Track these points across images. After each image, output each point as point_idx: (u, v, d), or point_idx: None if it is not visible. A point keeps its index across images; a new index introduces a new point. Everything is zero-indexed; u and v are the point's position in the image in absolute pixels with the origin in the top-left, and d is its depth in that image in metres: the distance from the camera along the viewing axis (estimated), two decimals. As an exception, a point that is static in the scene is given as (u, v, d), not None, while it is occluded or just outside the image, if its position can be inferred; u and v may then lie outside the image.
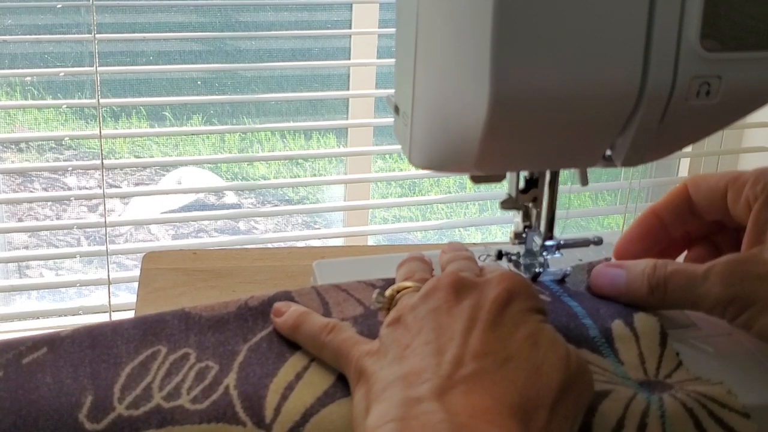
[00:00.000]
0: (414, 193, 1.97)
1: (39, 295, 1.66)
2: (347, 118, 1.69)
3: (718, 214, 0.55)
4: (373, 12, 1.58)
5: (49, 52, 1.54)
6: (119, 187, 1.85)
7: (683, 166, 1.80)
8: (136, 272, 1.10)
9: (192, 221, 1.82)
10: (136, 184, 1.89)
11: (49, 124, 1.76)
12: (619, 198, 1.84)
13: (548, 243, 0.56)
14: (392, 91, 0.54)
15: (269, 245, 1.56)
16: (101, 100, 1.39)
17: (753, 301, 0.49)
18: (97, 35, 1.36)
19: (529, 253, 0.58)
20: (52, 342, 0.48)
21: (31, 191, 1.82)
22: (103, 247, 1.43)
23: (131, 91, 1.63)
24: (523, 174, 0.55)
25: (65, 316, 1.51)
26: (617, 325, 0.51)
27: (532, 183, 0.55)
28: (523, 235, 0.57)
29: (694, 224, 0.57)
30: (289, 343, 0.49)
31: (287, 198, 1.91)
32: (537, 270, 0.57)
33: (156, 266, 0.71)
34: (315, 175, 1.84)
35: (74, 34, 1.52)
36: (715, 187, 0.54)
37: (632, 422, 0.44)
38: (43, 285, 1.51)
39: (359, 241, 1.65)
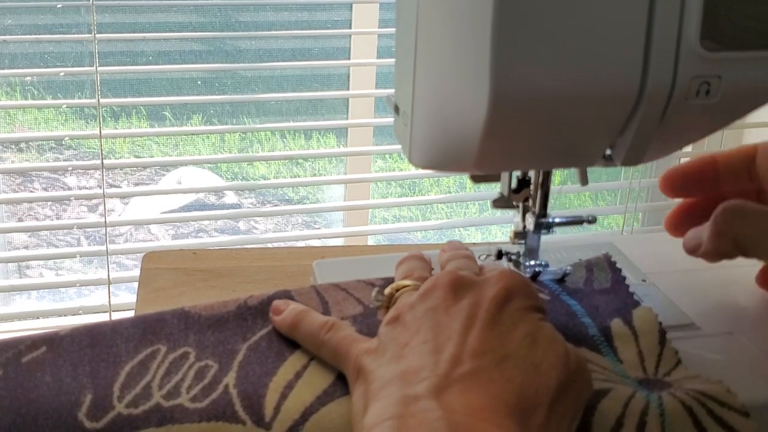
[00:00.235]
0: (414, 193, 1.97)
1: (39, 295, 1.66)
2: (347, 118, 1.69)
3: None
4: (373, 12, 1.58)
5: (49, 52, 1.54)
6: (119, 187, 1.85)
7: (683, 166, 1.80)
8: (136, 272, 1.10)
9: (192, 221, 1.82)
10: (136, 184, 1.89)
11: (49, 124, 1.76)
12: (619, 198, 1.83)
13: (542, 221, 0.56)
14: (392, 91, 0.54)
15: (269, 245, 1.56)
16: (101, 100, 1.39)
17: None
18: (97, 35, 1.36)
19: (530, 251, 0.58)
20: (52, 341, 0.48)
21: (31, 191, 1.82)
22: (103, 247, 1.43)
23: (131, 91, 1.64)
24: (516, 174, 0.55)
25: (65, 316, 1.51)
26: (616, 324, 0.51)
27: (525, 183, 0.55)
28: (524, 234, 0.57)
29: (745, 186, 0.57)
30: (288, 342, 0.49)
31: (287, 198, 1.91)
32: (537, 269, 0.57)
33: (156, 266, 0.71)
34: (315, 175, 1.84)
35: (74, 34, 1.52)
36: None
37: (631, 421, 0.44)
38: (43, 285, 1.51)
39: (359, 241, 1.66)
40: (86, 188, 1.82)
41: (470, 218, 1.97)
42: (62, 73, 1.45)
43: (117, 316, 1.46)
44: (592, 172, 0.54)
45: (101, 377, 0.46)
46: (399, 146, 0.53)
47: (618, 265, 0.57)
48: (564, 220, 0.56)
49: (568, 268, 0.57)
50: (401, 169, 1.88)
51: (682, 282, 0.60)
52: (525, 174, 0.55)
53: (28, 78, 1.62)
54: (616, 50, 0.43)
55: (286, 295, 0.53)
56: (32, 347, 0.48)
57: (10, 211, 1.75)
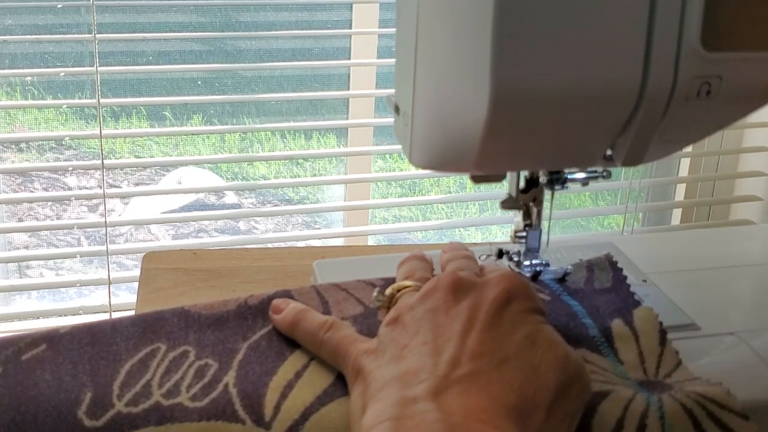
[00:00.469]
0: (414, 193, 1.97)
1: (39, 295, 1.66)
2: (347, 118, 1.69)
3: None
4: (373, 12, 1.58)
5: (49, 52, 1.54)
6: (119, 187, 1.84)
7: (683, 166, 1.80)
8: (137, 272, 1.10)
9: (192, 221, 1.81)
10: (136, 184, 1.89)
11: (50, 124, 1.76)
12: (619, 198, 1.83)
13: (556, 176, 0.53)
14: (392, 91, 0.54)
15: (269, 245, 1.56)
16: (101, 100, 1.39)
17: None
18: (97, 35, 1.36)
19: (530, 250, 0.57)
20: (52, 339, 0.48)
21: (31, 191, 1.82)
22: (103, 247, 1.43)
23: (131, 91, 1.63)
24: (524, 174, 0.55)
25: (65, 316, 1.51)
26: (617, 324, 0.51)
27: (533, 183, 0.55)
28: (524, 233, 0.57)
29: None
30: (288, 341, 0.49)
31: (287, 198, 1.91)
32: (537, 269, 0.57)
33: (156, 266, 0.71)
34: (315, 175, 1.84)
35: (74, 34, 1.52)
36: None
37: (631, 423, 0.44)
38: (43, 285, 1.51)
39: (359, 241, 1.65)
40: (86, 188, 1.82)
41: (470, 218, 1.97)
42: (62, 73, 1.45)
43: (117, 316, 1.46)
44: (593, 172, 0.54)
45: (101, 375, 0.46)
46: (399, 146, 0.53)
47: (619, 265, 0.57)
48: (578, 177, 0.54)
49: (569, 267, 0.57)
50: (401, 169, 1.88)
51: (683, 282, 0.60)
52: (533, 174, 0.55)
53: (29, 78, 1.62)
54: (617, 50, 0.43)
55: (287, 294, 0.53)
56: (32, 345, 0.48)
57: (11, 211, 1.75)
